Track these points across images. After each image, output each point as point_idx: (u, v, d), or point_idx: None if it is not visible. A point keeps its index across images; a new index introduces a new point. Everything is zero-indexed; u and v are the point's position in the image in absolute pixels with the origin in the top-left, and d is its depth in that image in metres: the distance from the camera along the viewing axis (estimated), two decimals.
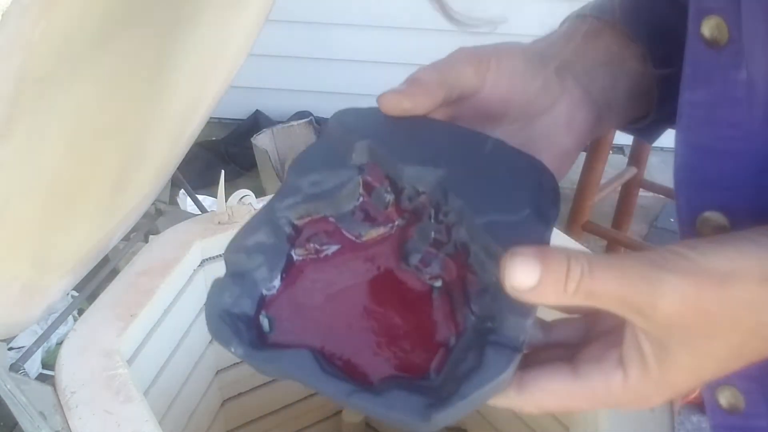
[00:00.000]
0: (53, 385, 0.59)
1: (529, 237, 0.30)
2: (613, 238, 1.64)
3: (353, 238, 0.34)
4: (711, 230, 0.32)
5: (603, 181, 1.61)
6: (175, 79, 0.67)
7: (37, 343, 0.67)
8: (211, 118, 0.81)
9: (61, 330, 1.18)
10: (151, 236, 0.88)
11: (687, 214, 0.33)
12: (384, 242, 0.34)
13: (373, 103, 0.35)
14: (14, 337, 1.34)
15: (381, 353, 0.31)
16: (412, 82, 0.34)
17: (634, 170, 1.67)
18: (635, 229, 1.97)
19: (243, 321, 0.30)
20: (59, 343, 1.04)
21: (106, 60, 0.53)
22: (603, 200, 1.66)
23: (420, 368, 0.30)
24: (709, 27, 0.30)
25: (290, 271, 0.32)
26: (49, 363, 1.38)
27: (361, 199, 0.34)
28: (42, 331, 0.68)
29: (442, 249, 0.32)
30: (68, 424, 0.55)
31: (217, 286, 0.31)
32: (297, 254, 0.33)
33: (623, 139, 1.72)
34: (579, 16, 0.40)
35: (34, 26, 0.40)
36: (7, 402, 0.55)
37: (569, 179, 1.90)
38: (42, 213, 0.56)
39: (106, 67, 0.54)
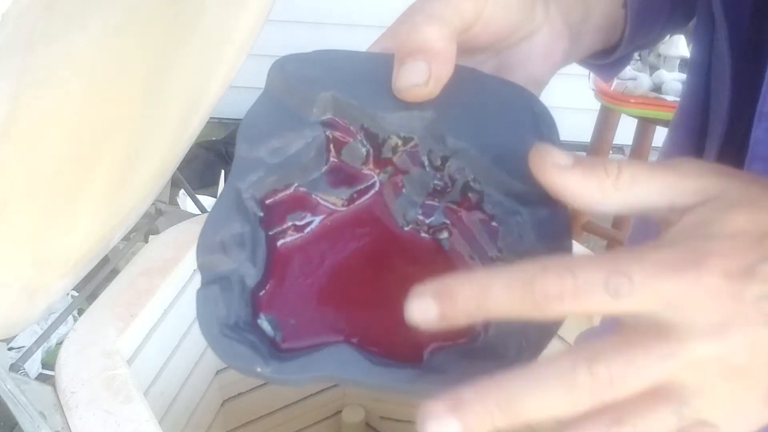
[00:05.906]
0: (53, 385, 0.59)
1: None
2: (613, 238, 1.64)
3: (333, 206, 0.30)
4: None
5: None
6: (175, 78, 0.67)
7: (37, 343, 0.67)
8: (211, 118, 0.81)
9: (61, 330, 1.18)
10: (151, 236, 0.88)
11: None
12: (371, 203, 0.30)
13: None
14: (14, 337, 1.34)
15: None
16: (431, 56, 0.28)
17: None
18: None
19: (249, 332, 0.26)
20: (59, 343, 1.04)
21: (106, 59, 0.53)
22: None
23: (463, 330, 0.27)
24: None
25: (275, 258, 0.29)
26: (49, 363, 1.38)
27: (331, 160, 0.30)
28: (42, 331, 0.68)
29: (443, 198, 0.30)
30: (68, 424, 0.55)
31: (206, 299, 0.26)
32: (277, 238, 0.29)
33: (623, 139, 1.72)
34: None
35: (34, 26, 0.40)
36: (7, 402, 0.55)
37: None
38: (42, 213, 0.56)
39: (106, 66, 0.54)
